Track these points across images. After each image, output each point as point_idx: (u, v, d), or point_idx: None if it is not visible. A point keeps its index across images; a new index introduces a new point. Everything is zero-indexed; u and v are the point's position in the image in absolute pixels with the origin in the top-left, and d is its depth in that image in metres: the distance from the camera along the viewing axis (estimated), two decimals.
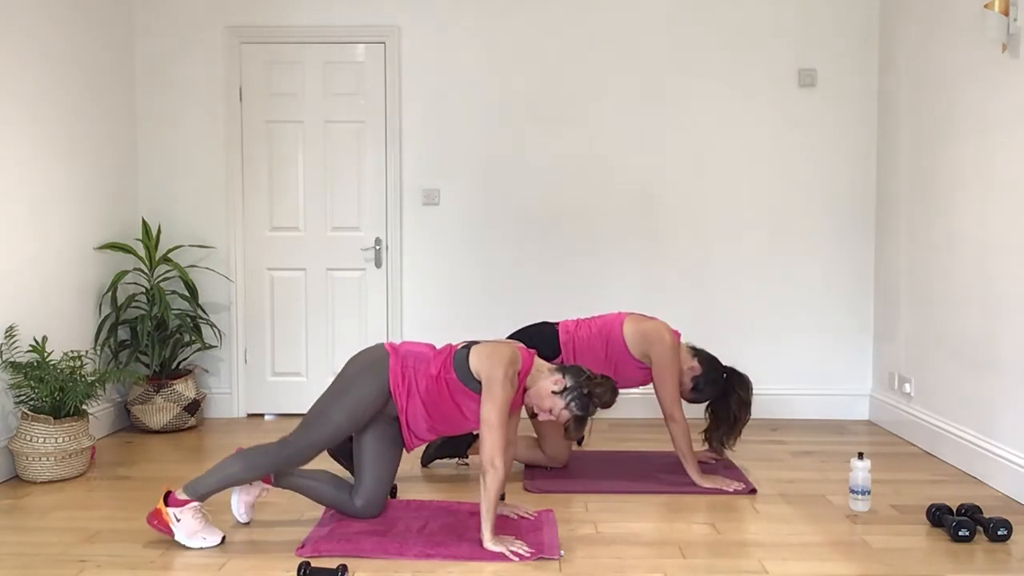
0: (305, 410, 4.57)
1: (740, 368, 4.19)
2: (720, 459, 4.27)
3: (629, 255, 5.33)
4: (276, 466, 3.28)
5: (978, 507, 3.36)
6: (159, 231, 5.23)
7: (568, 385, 3.31)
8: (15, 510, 3.65)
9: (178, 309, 5.17)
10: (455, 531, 3.32)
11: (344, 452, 3.84)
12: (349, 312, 5.39)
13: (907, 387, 4.79)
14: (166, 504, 3.20)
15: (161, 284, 5.12)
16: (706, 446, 4.21)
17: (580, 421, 3.35)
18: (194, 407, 5.07)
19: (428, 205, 5.34)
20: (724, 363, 4.15)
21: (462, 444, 4.21)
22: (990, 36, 3.81)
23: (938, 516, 3.39)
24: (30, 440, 3.98)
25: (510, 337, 4.09)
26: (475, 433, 4.11)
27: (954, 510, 3.39)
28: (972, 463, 4.11)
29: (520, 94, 5.31)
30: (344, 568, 2.85)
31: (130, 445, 4.76)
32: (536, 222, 5.34)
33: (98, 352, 4.89)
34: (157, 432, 4.99)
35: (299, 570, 2.83)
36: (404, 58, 5.30)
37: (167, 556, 3.11)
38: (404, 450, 3.51)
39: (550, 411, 3.34)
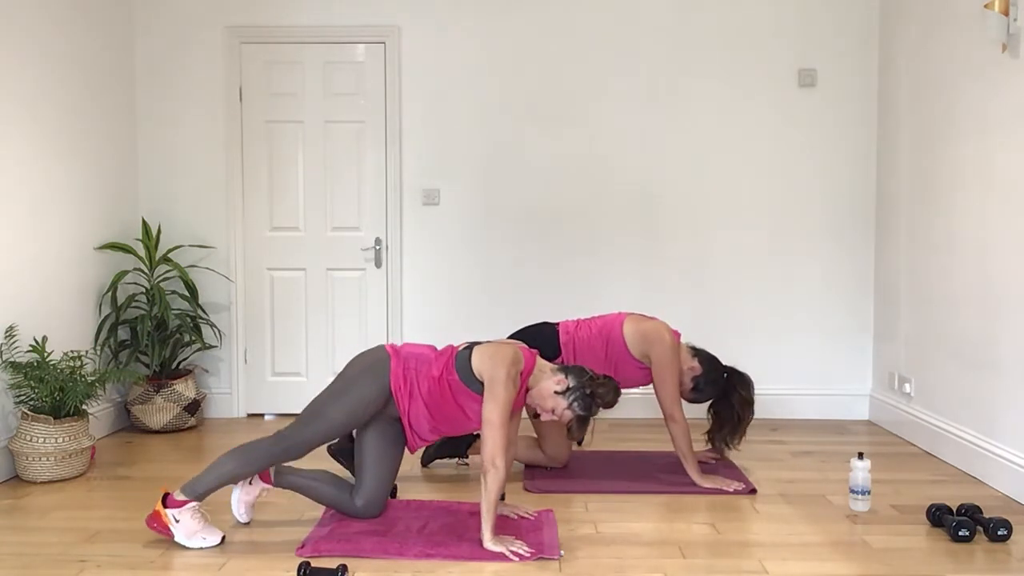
0: None
1: (740, 368, 4.19)
2: (720, 459, 4.27)
3: (629, 255, 5.33)
4: (272, 461, 3.28)
5: (978, 507, 3.36)
6: (159, 231, 5.23)
7: (571, 385, 3.31)
8: (15, 510, 3.65)
9: (178, 309, 5.17)
10: (455, 531, 3.32)
11: (345, 452, 3.84)
12: (349, 312, 5.39)
13: (907, 387, 4.79)
14: (164, 506, 3.20)
15: (161, 284, 5.12)
16: (709, 447, 4.21)
17: (582, 421, 3.36)
18: (194, 407, 5.07)
19: (428, 205, 5.34)
20: (724, 363, 4.15)
21: (462, 444, 4.21)
22: (990, 36, 3.82)
23: (938, 516, 3.39)
24: (30, 440, 3.98)
25: (510, 337, 4.09)
26: (475, 433, 4.11)
27: (954, 510, 3.39)
28: (972, 463, 4.11)
29: (520, 94, 5.31)
30: (344, 568, 2.85)
31: (130, 445, 4.76)
32: (536, 222, 5.34)
33: (98, 352, 4.89)
34: (157, 432, 4.99)
35: (299, 570, 2.83)
36: (404, 58, 5.30)
37: (167, 556, 3.11)
38: (406, 450, 3.51)
39: (552, 411, 3.35)
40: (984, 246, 4.04)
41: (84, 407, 4.21)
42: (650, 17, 5.27)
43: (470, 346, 3.36)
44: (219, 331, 5.34)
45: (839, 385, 5.34)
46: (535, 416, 3.78)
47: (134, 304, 5.05)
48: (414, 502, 3.69)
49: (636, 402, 5.18)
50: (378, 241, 5.35)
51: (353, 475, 3.69)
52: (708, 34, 5.26)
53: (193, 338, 5.14)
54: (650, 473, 4.12)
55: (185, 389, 5.03)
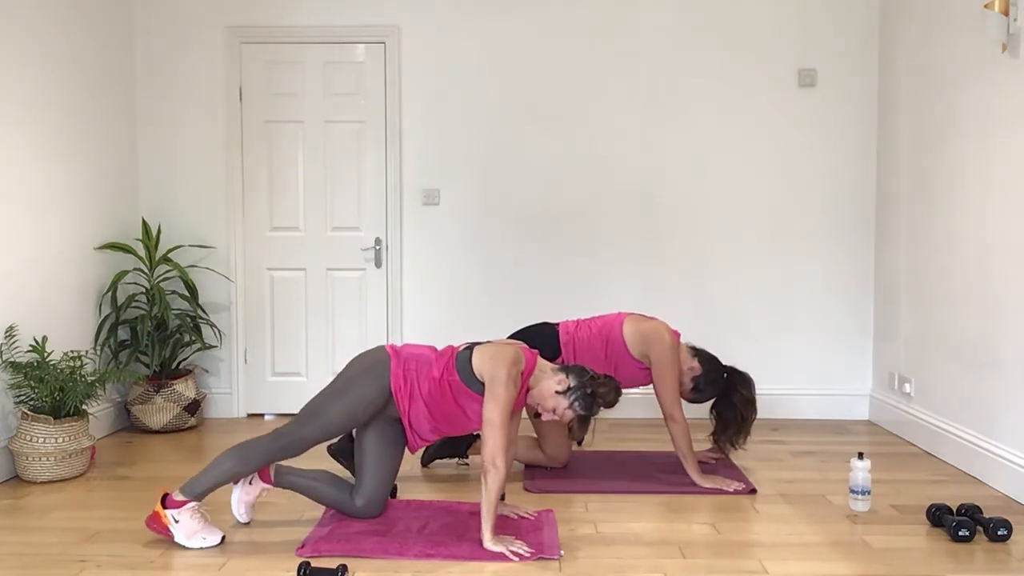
0: None
1: (740, 368, 4.18)
2: (720, 459, 4.27)
3: (629, 255, 5.33)
4: (270, 459, 3.28)
5: (978, 507, 3.36)
6: (159, 231, 5.23)
7: (572, 385, 3.31)
8: (15, 510, 3.64)
9: (178, 309, 5.17)
10: (455, 531, 3.32)
11: (345, 452, 3.84)
12: (349, 312, 5.39)
13: (907, 387, 4.79)
14: (163, 506, 3.20)
15: (161, 284, 5.12)
16: (710, 447, 4.21)
17: (583, 421, 3.36)
18: (194, 407, 5.07)
19: (428, 205, 5.34)
20: (724, 363, 4.15)
21: (462, 444, 4.21)
22: (990, 36, 3.81)
23: (938, 516, 3.39)
24: (30, 440, 3.98)
25: (510, 337, 4.09)
26: (476, 433, 4.11)
27: (954, 510, 3.39)
28: (972, 463, 4.11)
29: (520, 94, 5.31)
30: (344, 568, 2.85)
31: (130, 445, 4.76)
32: (536, 222, 5.34)
33: (98, 352, 4.89)
34: (157, 432, 4.99)
35: (299, 570, 2.83)
36: (404, 58, 5.30)
37: (167, 556, 3.11)
38: (407, 450, 3.51)
39: (554, 411, 3.35)
40: (984, 246, 4.04)
41: (84, 407, 4.21)
42: (650, 17, 5.27)
43: (471, 346, 3.36)
44: (219, 331, 5.34)
45: (839, 385, 5.34)
46: (536, 416, 3.78)
47: (134, 304, 5.05)
48: (414, 502, 3.69)
49: (636, 402, 5.18)
50: (378, 241, 5.35)
51: (353, 475, 3.69)
52: (708, 34, 5.26)
53: (193, 338, 5.14)
54: (650, 473, 4.12)
55: (185, 389, 5.03)
